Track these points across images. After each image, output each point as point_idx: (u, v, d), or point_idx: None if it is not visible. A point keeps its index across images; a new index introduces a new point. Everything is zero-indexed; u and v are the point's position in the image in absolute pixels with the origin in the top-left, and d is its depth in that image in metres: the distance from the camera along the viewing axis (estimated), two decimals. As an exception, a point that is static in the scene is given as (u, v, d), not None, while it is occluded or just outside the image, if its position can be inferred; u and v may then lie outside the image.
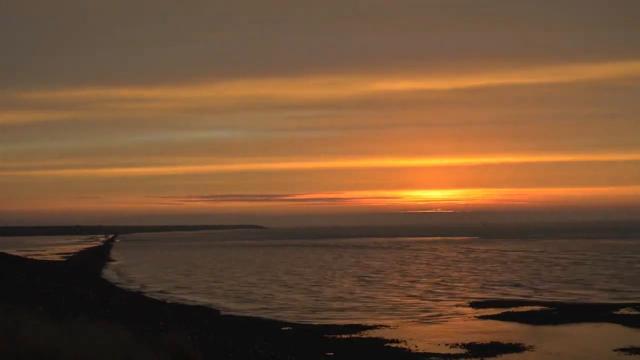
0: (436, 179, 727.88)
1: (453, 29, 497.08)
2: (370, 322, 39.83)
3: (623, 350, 30.45)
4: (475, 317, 42.16)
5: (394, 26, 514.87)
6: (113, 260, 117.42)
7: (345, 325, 38.67)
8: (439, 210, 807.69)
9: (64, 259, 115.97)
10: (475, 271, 79.69)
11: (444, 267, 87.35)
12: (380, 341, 33.26)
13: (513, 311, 43.73)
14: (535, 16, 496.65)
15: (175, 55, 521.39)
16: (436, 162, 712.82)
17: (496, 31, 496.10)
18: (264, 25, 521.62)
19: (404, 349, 31.28)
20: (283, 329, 37.82)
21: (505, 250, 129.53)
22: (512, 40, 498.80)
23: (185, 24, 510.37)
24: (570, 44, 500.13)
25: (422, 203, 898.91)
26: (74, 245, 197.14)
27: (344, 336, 34.79)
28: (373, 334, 35.96)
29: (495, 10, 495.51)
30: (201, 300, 54.71)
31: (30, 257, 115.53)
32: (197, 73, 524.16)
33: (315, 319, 42.27)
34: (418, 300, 51.47)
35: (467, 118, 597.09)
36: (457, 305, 47.96)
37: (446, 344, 32.35)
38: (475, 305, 47.61)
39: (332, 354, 29.62)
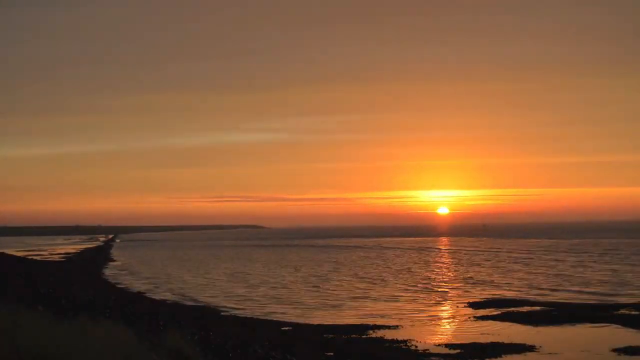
0: (435, 179, 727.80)
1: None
2: (370, 322, 39.83)
3: (622, 350, 30.44)
4: (475, 317, 42.18)
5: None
6: (113, 260, 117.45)
7: (346, 325, 38.70)
8: (439, 210, 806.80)
9: (64, 259, 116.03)
10: None
11: None
12: (380, 341, 33.26)
13: (513, 311, 43.73)
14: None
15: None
16: (435, 163, 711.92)
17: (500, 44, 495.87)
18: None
19: (404, 349, 31.28)
20: (283, 329, 37.82)
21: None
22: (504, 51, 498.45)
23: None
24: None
25: (421, 203, 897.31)
26: (74, 245, 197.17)
27: (344, 336, 34.79)
28: (373, 334, 35.95)
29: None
30: (201, 299, 54.72)
31: (30, 257, 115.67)
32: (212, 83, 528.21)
33: (315, 319, 42.29)
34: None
35: (468, 121, 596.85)
36: (457, 306, 48.01)
37: (446, 344, 32.37)
38: (475, 305, 47.62)
39: (332, 354, 29.60)
